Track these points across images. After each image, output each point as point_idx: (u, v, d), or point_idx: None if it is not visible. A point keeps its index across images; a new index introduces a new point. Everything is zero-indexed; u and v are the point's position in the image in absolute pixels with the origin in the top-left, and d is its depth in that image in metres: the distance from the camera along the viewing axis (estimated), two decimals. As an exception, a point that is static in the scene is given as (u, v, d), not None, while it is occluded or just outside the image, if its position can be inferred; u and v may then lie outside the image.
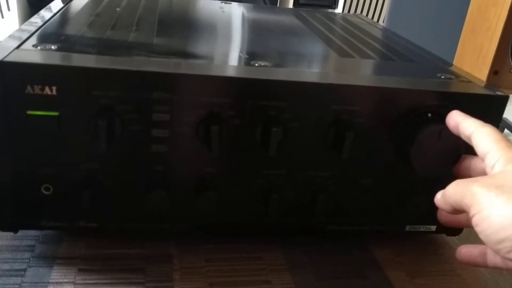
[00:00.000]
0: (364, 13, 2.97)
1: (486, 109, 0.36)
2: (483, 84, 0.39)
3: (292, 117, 0.34)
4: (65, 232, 0.37)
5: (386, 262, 0.38)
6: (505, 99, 0.37)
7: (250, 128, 0.33)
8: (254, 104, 0.33)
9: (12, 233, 0.35)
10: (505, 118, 2.08)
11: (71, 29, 0.40)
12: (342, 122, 0.34)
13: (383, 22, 2.68)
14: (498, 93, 0.37)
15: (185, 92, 0.32)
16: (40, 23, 0.40)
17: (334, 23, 0.58)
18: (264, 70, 0.34)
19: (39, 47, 0.33)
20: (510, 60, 1.52)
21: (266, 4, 2.21)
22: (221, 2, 0.61)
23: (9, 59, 0.30)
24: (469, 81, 0.39)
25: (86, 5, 0.49)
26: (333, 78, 0.35)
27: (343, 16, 0.64)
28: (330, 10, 2.46)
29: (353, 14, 0.68)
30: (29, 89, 0.30)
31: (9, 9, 2.53)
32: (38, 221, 0.34)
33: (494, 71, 1.51)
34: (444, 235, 0.42)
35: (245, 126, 0.33)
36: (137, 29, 0.42)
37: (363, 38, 0.51)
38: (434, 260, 0.40)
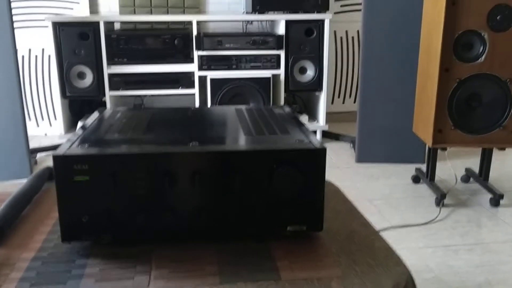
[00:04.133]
0: (348, 87, 3.31)
1: (313, 157, 0.64)
2: (318, 145, 0.67)
3: (209, 169, 0.62)
4: (93, 242, 0.65)
5: (278, 256, 0.64)
6: (323, 150, 0.65)
7: (184, 177, 0.62)
8: (186, 164, 0.62)
9: (68, 243, 0.64)
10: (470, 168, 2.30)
11: (97, 135, 0.71)
12: (237, 169, 0.63)
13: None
14: (320, 147, 0.65)
15: (152, 162, 0.61)
16: (80, 133, 0.71)
17: (259, 114, 0.88)
18: (193, 148, 0.64)
19: (79, 146, 0.63)
20: (450, 120, 1.79)
21: (263, 99, 2.57)
22: (192, 108, 0.92)
23: (65, 153, 0.60)
24: (310, 142, 0.68)
25: (107, 119, 0.81)
26: (228, 148, 0.65)
27: (270, 109, 0.94)
28: (316, 93, 2.80)
29: (279, 106, 0.98)
30: (75, 166, 0.60)
31: (55, 119, 2.96)
32: (81, 236, 0.63)
33: (439, 130, 1.79)
34: (315, 232, 0.69)
35: (184, 176, 0.62)
36: (131, 132, 0.72)
37: (270, 122, 0.80)
38: (307, 250, 0.65)
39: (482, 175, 2.06)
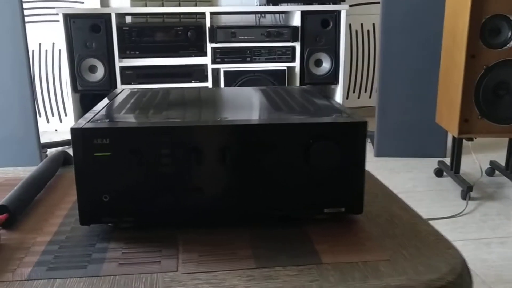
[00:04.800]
0: (364, 81, 3.24)
1: (353, 131, 0.59)
2: (358, 118, 0.61)
3: (240, 144, 0.57)
4: (114, 226, 0.60)
5: (315, 239, 0.58)
6: (364, 124, 0.59)
7: (214, 153, 0.57)
8: (215, 139, 0.57)
9: (87, 226, 0.59)
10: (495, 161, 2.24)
11: (116, 111, 0.66)
12: (270, 145, 0.58)
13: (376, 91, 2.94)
14: (361, 120, 0.60)
15: (178, 136, 0.56)
16: (97, 111, 0.66)
17: (285, 92, 0.82)
18: (223, 121, 0.59)
19: (99, 121, 0.58)
20: (476, 109, 1.72)
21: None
22: (215, 88, 0.87)
23: (85, 126, 0.55)
24: (349, 116, 0.62)
25: (125, 98, 0.76)
26: (267, 121, 0.59)
27: (296, 87, 0.89)
28: (332, 86, 2.74)
29: (306, 86, 0.92)
30: (95, 141, 0.55)
31: (66, 115, 2.93)
32: (101, 218, 0.58)
33: (465, 120, 1.72)
34: (354, 214, 0.63)
35: (212, 152, 0.57)
36: (153, 109, 0.67)
37: (299, 99, 0.75)
38: (347, 233, 0.60)
39: (509, 168, 1.99)
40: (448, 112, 1.82)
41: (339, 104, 0.71)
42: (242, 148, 0.57)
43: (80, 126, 0.55)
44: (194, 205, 0.58)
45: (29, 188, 0.68)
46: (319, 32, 2.58)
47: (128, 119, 0.60)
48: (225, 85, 2.51)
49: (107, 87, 2.51)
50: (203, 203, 0.58)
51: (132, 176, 0.57)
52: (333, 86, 2.75)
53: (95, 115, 0.62)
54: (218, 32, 2.48)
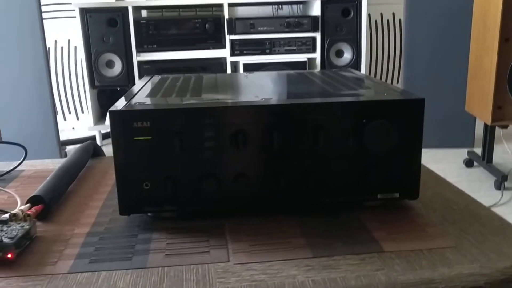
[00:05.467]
0: (384, 72, 3.18)
1: (410, 109, 0.55)
2: (414, 95, 0.57)
3: (287, 125, 0.54)
4: (155, 215, 0.57)
5: (372, 227, 0.54)
6: (421, 101, 0.55)
7: (261, 135, 0.54)
8: (262, 120, 0.53)
9: (126, 216, 0.56)
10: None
11: (153, 94, 0.63)
12: (319, 126, 0.54)
13: (397, 82, 2.88)
14: (418, 97, 0.56)
15: (223, 118, 0.53)
16: (133, 93, 0.63)
17: (324, 74, 0.79)
18: (265, 101, 0.55)
19: (137, 104, 0.55)
20: (510, 95, 1.66)
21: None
22: (247, 73, 0.84)
23: (124, 108, 0.52)
24: (402, 93, 0.58)
25: (156, 84, 0.73)
26: (312, 100, 0.56)
27: (336, 71, 0.85)
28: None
29: (346, 68, 0.88)
30: (135, 124, 0.52)
31: (82, 112, 2.93)
32: (141, 207, 0.55)
33: (498, 107, 1.66)
34: (408, 200, 0.59)
35: (259, 134, 0.54)
36: (190, 92, 0.64)
37: (341, 80, 0.71)
38: (404, 220, 0.56)
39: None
40: (480, 99, 1.76)
41: (387, 83, 0.67)
42: (291, 129, 0.54)
43: (119, 109, 0.52)
44: (240, 192, 0.55)
45: (62, 179, 0.65)
46: (340, 21, 2.53)
47: (168, 101, 0.57)
48: (245, 78, 2.47)
49: (125, 82, 2.50)
50: (249, 189, 0.55)
51: (174, 162, 0.53)
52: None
53: (131, 99, 0.58)
54: (237, 23, 2.44)
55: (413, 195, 0.58)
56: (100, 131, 2.64)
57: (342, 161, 0.56)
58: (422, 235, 0.52)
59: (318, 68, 2.59)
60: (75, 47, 2.84)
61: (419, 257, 0.47)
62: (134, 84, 2.51)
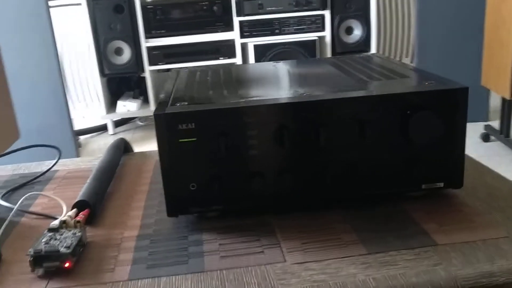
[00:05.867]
0: (393, 47, 3.15)
1: (454, 99, 0.54)
2: (456, 85, 0.56)
3: (332, 119, 0.53)
4: (203, 215, 0.57)
5: (420, 218, 0.54)
6: (465, 90, 0.55)
7: (305, 131, 0.53)
8: (305, 116, 0.53)
9: (172, 218, 0.56)
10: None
11: (188, 93, 0.62)
12: (364, 119, 0.54)
13: (411, 60, 2.85)
14: (462, 86, 0.55)
15: (267, 115, 0.52)
16: (169, 92, 0.62)
17: (355, 61, 0.78)
18: (309, 96, 0.55)
19: (178, 104, 0.55)
20: (530, 68, 1.64)
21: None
22: (274, 63, 0.83)
23: (169, 111, 0.52)
24: (444, 83, 0.58)
25: (187, 78, 0.72)
26: (356, 94, 0.55)
27: (366, 56, 0.83)
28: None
29: (373, 53, 0.87)
30: (180, 126, 0.52)
31: (92, 100, 2.92)
32: (188, 208, 0.55)
33: (517, 80, 1.64)
34: (451, 189, 0.59)
35: (303, 129, 0.53)
36: (225, 88, 0.63)
37: (373, 68, 0.70)
38: (450, 210, 0.56)
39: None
40: (497, 72, 1.74)
41: (424, 71, 0.66)
42: (334, 124, 0.53)
43: (164, 111, 0.52)
44: (285, 188, 0.55)
45: (102, 181, 0.65)
46: (349, -3, 2.49)
47: (208, 100, 0.56)
48: (256, 60, 2.45)
49: (134, 69, 2.48)
50: (294, 185, 0.55)
51: (218, 162, 0.53)
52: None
53: (170, 99, 0.58)
54: (245, 4, 2.41)
55: (457, 184, 0.58)
56: (112, 120, 2.64)
57: (387, 153, 0.55)
58: (472, 226, 0.52)
59: (329, 47, 2.56)
60: (83, 36, 2.82)
61: (473, 249, 0.48)
62: (143, 71, 2.50)
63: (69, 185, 0.71)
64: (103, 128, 2.68)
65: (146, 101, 2.67)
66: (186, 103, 0.55)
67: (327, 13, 2.51)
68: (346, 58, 0.82)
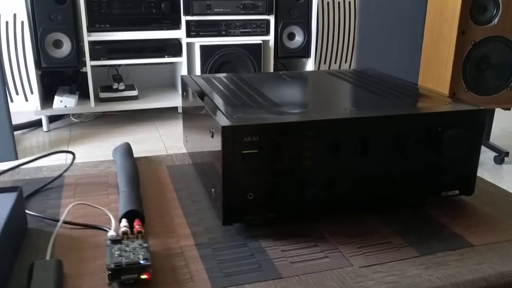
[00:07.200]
0: (334, 55, 3.31)
1: (476, 117, 0.62)
2: (476, 107, 0.65)
3: (377, 134, 0.58)
4: (257, 223, 0.59)
5: (447, 222, 0.61)
6: (485, 111, 0.63)
7: (356, 144, 0.58)
8: (356, 130, 0.58)
9: (230, 226, 0.58)
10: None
11: (234, 104, 0.64)
12: (403, 135, 0.59)
13: (349, 66, 3.02)
14: (481, 107, 0.63)
15: (323, 130, 0.56)
16: (218, 103, 0.64)
17: (355, 76, 0.84)
18: (362, 113, 0.60)
19: (235, 116, 0.57)
20: (463, 83, 1.83)
21: (254, 66, 2.49)
22: (284, 73, 0.87)
23: (235, 124, 0.54)
24: (462, 104, 0.66)
25: (222, 90, 0.73)
26: (400, 112, 0.61)
27: (365, 72, 0.90)
28: (304, 59, 2.77)
29: (369, 68, 0.94)
30: (245, 139, 0.54)
31: (32, 93, 2.73)
32: (242, 217, 0.57)
33: (453, 93, 1.82)
34: (464, 196, 0.67)
35: (354, 143, 0.58)
36: (264, 101, 0.66)
37: (387, 86, 0.77)
38: (469, 214, 0.63)
39: (484, 135, 2.15)
40: (435, 86, 1.92)
41: (431, 89, 0.74)
42: (378, 138, 0.59)
43: (230, 124, 0.54)
44: (333, 196, 0.59)
45: (136, 188, 0.65)
46: (293, 4, 2.58)
47: (263, 114, 0.59)
48: (202, 60, 2.45)
49: (74, 64, 2.37)
50: (340, 193, 0.59)
51: (276, 172, 0.56)
52: (304, 60, 2.78)
53: (223, 110, 0.60)
54: (193, 4, 2.40)
55: (470, 191, 0.66)
56: (47, 116, 2.49)
57: (420, 164, 0.62)
58: (492, 228, 0.60)
59: (272, 51, 2.63)
60: (22, 22, 2.62)
61: (505, 249, 0.55)
62: (84, 65, 2.39)
63: (89, 192, 0.69)
64: (35, 124, 2.52)
65: (82, 96, 2.55)
66: (240, 115, 0.57)
67: (272, 18, 2.57)
68: (350, 73, 0.87)
